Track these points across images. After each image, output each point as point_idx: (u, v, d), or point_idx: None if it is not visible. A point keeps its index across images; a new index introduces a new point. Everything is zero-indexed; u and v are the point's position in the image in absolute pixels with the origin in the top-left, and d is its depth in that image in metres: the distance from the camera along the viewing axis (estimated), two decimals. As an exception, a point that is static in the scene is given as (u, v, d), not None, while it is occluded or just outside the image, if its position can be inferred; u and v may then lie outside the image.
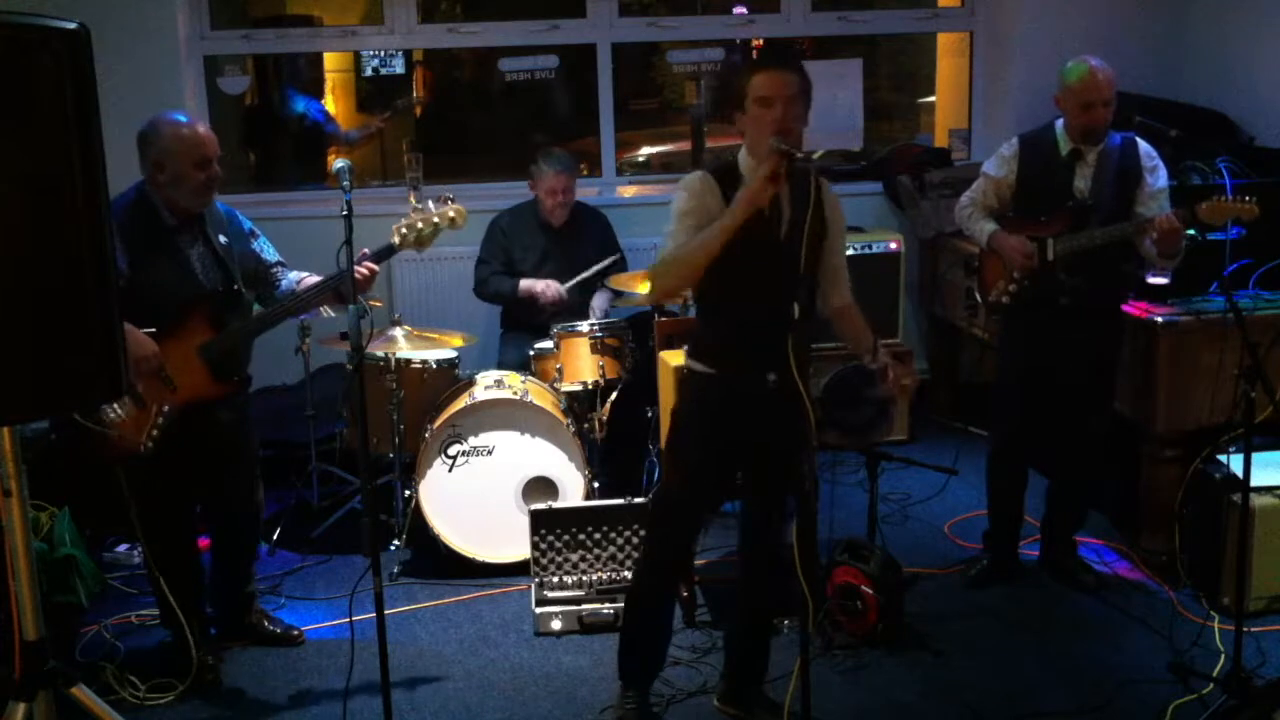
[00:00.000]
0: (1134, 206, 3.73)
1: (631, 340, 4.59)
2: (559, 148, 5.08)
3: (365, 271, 3.39)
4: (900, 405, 3.91)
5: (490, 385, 4.29)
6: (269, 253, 3.66)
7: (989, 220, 3.91)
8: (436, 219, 3.45)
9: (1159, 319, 3.87)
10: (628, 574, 4.04)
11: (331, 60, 6.91)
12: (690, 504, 3.13)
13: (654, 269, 2.93)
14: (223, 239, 3.49)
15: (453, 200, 3.51)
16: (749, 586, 3.31)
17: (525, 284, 4.84)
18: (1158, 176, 3.76)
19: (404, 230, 3.44)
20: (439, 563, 4.25)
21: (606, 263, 4.86)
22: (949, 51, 6.49)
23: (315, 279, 3.53)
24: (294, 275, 3.61)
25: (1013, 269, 3.82)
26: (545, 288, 4.81)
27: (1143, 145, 3.79)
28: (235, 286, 3.47)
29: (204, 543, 3.76)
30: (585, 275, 4.84)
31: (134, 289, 3.20)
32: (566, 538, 4.05)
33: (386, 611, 2.93)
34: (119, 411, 3.27)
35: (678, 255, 2.85)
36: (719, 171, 2.94)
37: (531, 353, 4.59)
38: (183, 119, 3.38)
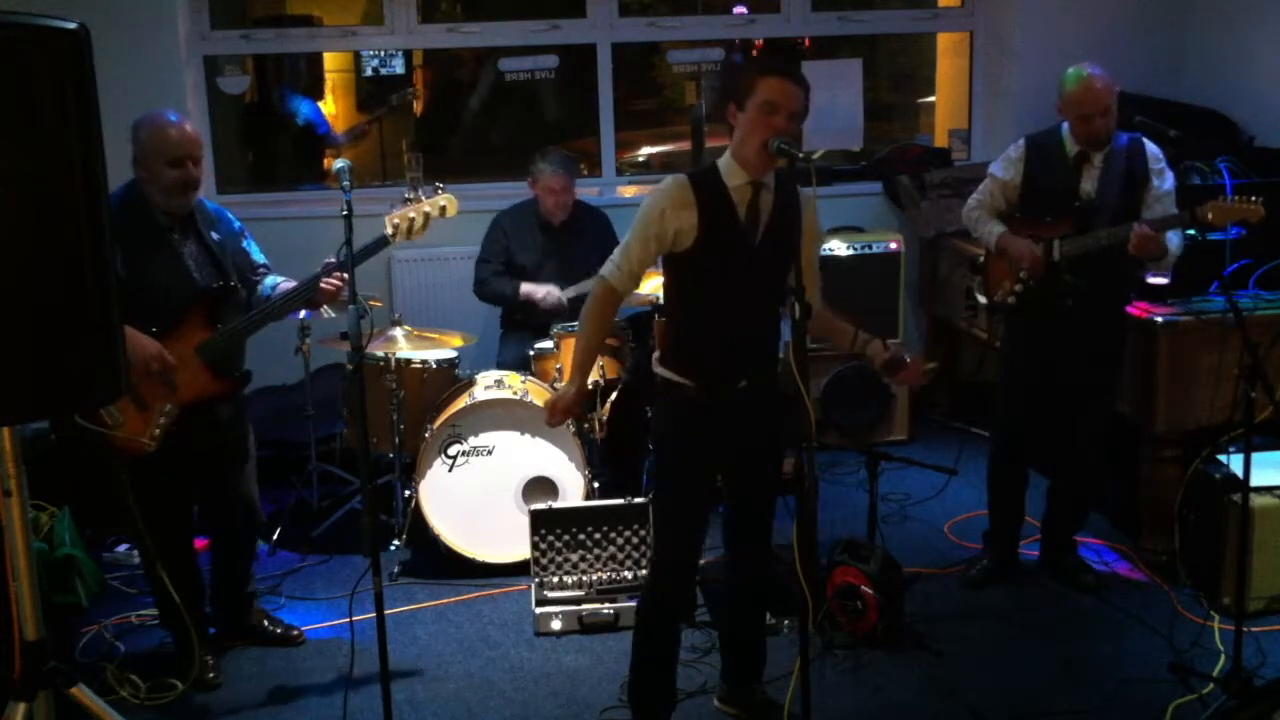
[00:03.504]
0: (1141, 208, 3.72)
1: (631, 340, 4.59)
2: (559, 147, 5.08)
3: (337, 283, 3.40)
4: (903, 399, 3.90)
5: (490, 385, 4.29)
6: (256, 254, 3.67)
7: (996, 222, 3.91)
8: (428, 208, 3.47)
9: (1159, 319, 3.87)
10: (628, 574, 4.04)
11: (331, 60, 6.92)
12: (683, 513, 3.11)
13: (595, 295, 3.01)
14: (215, 235, 3.50)
15: (442, 189, 3.53)
16: (737, 588, 3.31)
17: (526, 289, 4.84)
18: (1165, 178, 3.75)
19: (396, 221, 3.46)
20: (439, 563, 4.25)
21: None
22: (949, 51, 6.49)
23: (291, 285, 3.53)
24: (271, 280, 3.62)
25: (1019, 270, 3.82)
26: (546, 295, 4.80)
27: (1150, 147, 3.79)
28: (231, 283, 3.48)
29: (201, 543, 3.76)
30: (586, 289, 4.82)
31: (129, 288, 3.20)
32: (566, 538, 4.05)
33: (386, 611, 2.93)
34: (117, 415, 3.26)
35: (617, 289, 3.00)
36: (699, 178, 2.91)
37: (531, 353, 4.59)
38: (169, 117, 3.36)
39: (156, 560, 3.42)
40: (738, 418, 2.99)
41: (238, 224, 3.64)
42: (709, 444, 3.03)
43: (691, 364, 2.99)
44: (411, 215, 3.46)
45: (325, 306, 3.93)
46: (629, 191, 5.99)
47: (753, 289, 2.91)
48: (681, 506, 3.10)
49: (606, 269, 2.99)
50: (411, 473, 4.30)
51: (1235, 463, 3.70)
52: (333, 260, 3.39)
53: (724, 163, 2.92)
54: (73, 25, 1.96)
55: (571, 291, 4.80)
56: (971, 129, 6.16)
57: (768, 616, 3.74)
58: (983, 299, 4.09)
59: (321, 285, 3.39)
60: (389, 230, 3.45)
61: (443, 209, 3.50)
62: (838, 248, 5.30)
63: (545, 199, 4.88)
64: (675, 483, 3.10)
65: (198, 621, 3.57)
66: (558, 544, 4.05)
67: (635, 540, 4.06)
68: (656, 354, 3.11)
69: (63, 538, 4.03)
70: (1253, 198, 3.49)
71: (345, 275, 3.38)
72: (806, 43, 6.27)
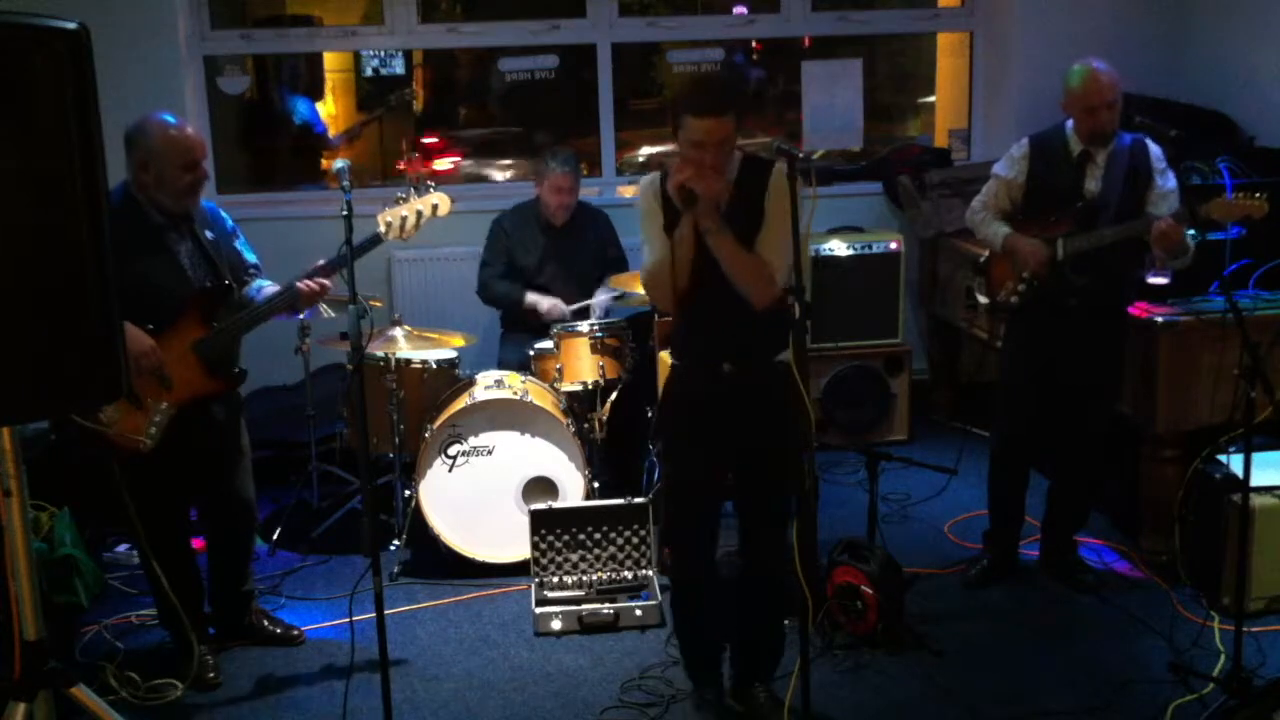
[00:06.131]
0: (1145, 208, 3.72)
1: (631, 340, 4.59)
2: (566, 147, 5.09)
3: (314, 286, 3.42)
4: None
5: (490, 385, 4.29)
6: (248, 254, 3.68)
7: (1001, 223, 3.91)
8: (419, 206, 3.48)
9: (1159, 319, 3.87)
10: (628, 574, 4.04)
11: (331, 60, 6.92)
12: (683, 493, 3.21)
13: (645, 282, 3.11)
14: (209, 234, 3.51)
15: (434, 187, 3.54)
16: (743, 587, 3.31)
17: (531, 299, 4.84)
18: (1168, 178, 3.76)
19: (388, 219, 3.48)
20: (439, 563, 4.25)
21: (613, 294, 4.83)
22: (949, 51, 6.49)
23: (277, 289, 3.55)
24: (259, 283, 3.63)
25: (1023, 270, 3.81)
26: (551, 307, 4.81)
27: (1152, 147, 3.79)
28: (225, 282, 3.49)
29: (199, 543, 3.76)
30: (590, 304, 4.83)
31: (125, 288, 3.19)
32: (566, 538, 4.05)
33: (386, 611, 2.93)
34: (112, 412, 3.27)
35: (652, 273, 3.02)
36: (664, 176, 3.03)
37: (531, 353, 4.59)
38: (171, 120, 3.38)
39: (154, 560, 3.42)
40: (732, 403, 3.06)
41: (231, 224, 3.65)
42: (706, 427, 3.10)
43: (680, 347, 3.16)
44: (403, 213, 3.48)
45: (324, 306, 3.94)
46: (629, 191, 5.99)
47: (718, 276, 2.94)
48: (681, 486, 3.21)
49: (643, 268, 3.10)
50: (411, 473, 4.30)
51: (1235, 463, 3.70)
52: (323, 262, 3.43)
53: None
54: (73, 25, 1.96)
55: (576, 307, 4.80)
56: (971, 129, 6.16)
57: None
58: (984, 299, 4.09)
59: (298, 286, 3.41)
60: (381, 228, 3.48)
61: (434, 207, 3.51)
62: (838, 248, 5.30)
63: (550, 198, 4.87)
64: (675, 466, 3.24)
65: (197, 621, 3.57)
66: (558, 544, 4.05)
67: (635, 540, 4.06)
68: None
69: (63, 538, 4.03)
70: (1257, 194, 3.48)
71: (323, 281, 3.42)
72: (806, 42, 6.28)
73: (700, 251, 2.92)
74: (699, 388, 3.10)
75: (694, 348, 3.12)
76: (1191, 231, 3.72)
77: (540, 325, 4.78)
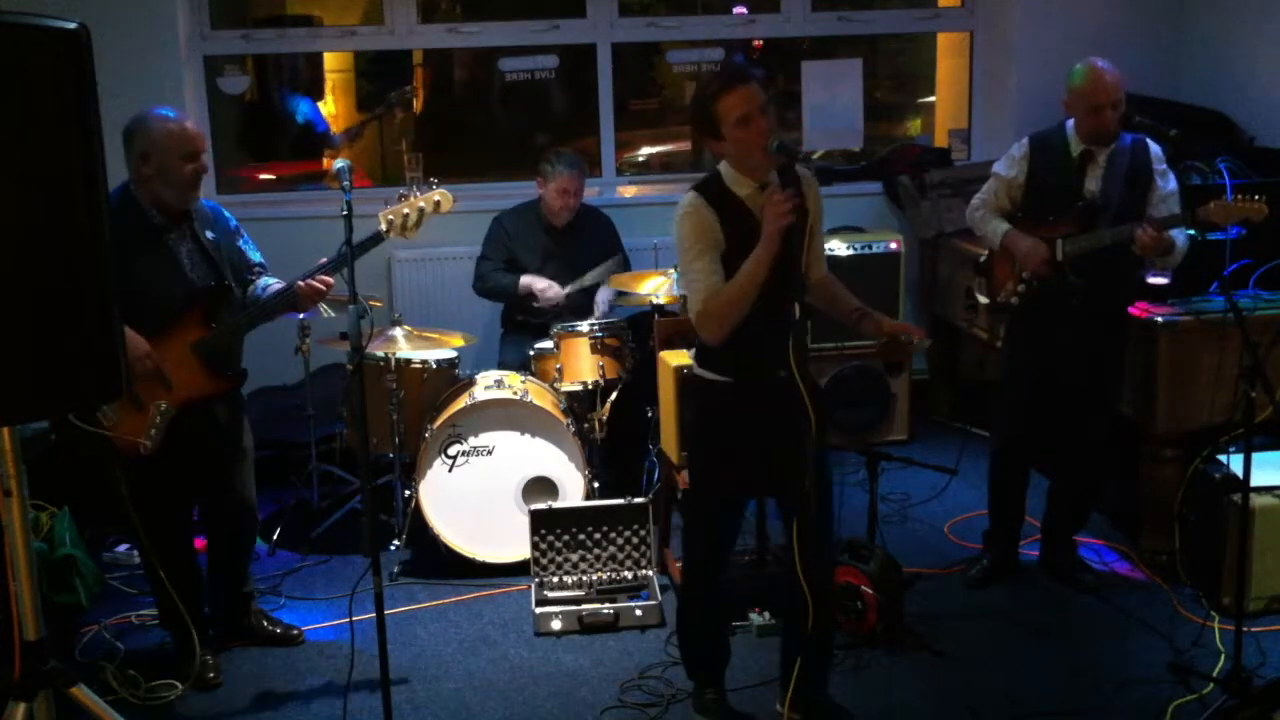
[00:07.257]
0: (1146, 209, 3.72)
1: (631, 340, 4.59)
2: (569, 149, 5.09)
3: (319, 285, 3.41)
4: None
5: (490, 385, 4.29)
6: (252, 252, 3.67)
7: (1001, 220, 3.90)
8: (422, 203, 3.47)
9: (1159, 319, 3.87)
10: (628, 574, 4.04)
11: (331, 60, 6.92)
12: (716, 506, 3.17)
13: (699, 318, 2.93)
14: (210, 235, 3.51)
15: (436, 184, 3.54)
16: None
17: (526, 280, 4.83)
18: (1168, 179, 3.75)
19: (390, 216, 3.47)
20: (439, 563, 4.25)
21: (608, 264, 4.85)
22: (949, 51, 6.50)
23: (282, 286, 3.54)
24: (265, 281, 3.63)
25: (1023, 269, 3.81)
26: (546, 287, 4.80)
27: (1153, 147, 3.78)
28: (226, 282, 3.48)
29: (199, 543, 3.76)
30: (586, 282, 4.83)
31: (125, 289, 3.19)
32: (566, 538, 4.05)
33: (386, 611, 2.94)
34: (113, 415, 3.27)
35: (722, 300, 2.87)
36: (708, 192, 2.94)
37: (531, 353, 4.59)
38: (170, 113, 3.39)
39: (156, 560, 3.42)
40: (785, 407, 2.93)
41: (234, 222, 3.65)
42: (753, 438, 3.03)
43: (728, 362, 3.01)
44: (405, 210, 3.46)
45: (324, 306, 3.94)
46: (629, 191, 6.00)
47: (776, 283, 2.90)
48: (715, 497, 3.15)
49: (691, 305, 2.98)
50: (411, 473, 4.30)
51: (1235, 463, 3.70)
52: (324, 261, 3.42)
53: (727, 173, 2.95)
54: (73, 25, 1.96)
55: (571, 288, 4.81)
56: (971, 129, 6.17)
57: (766, 616, 3.75)
58: (984, 299, 4.09)
59: (298, 285, 3.40)
60: (383, 226, 3.46)
61: (437, 204, 3.50)
62: (838, 248, 5.29)
63: (554, 200, 4.87)
64: (712, 480, 3.15)
65: (198, 622, 3.57)
66: (558, 544, 4.05)
67: (635, 540, 4.06)
68: (693, 353, 3.15)
69: (63, 538, 4.03)
70: (1256, 196, 3.48)
71: (325, 278, 3.41)
72: (806, 43, 6.28)
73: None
74: (750, 399, 3.00)
75: (747, 360, 2.99)
76: (1191, 232, 3.72)
77: (540, 325, 4.78)
